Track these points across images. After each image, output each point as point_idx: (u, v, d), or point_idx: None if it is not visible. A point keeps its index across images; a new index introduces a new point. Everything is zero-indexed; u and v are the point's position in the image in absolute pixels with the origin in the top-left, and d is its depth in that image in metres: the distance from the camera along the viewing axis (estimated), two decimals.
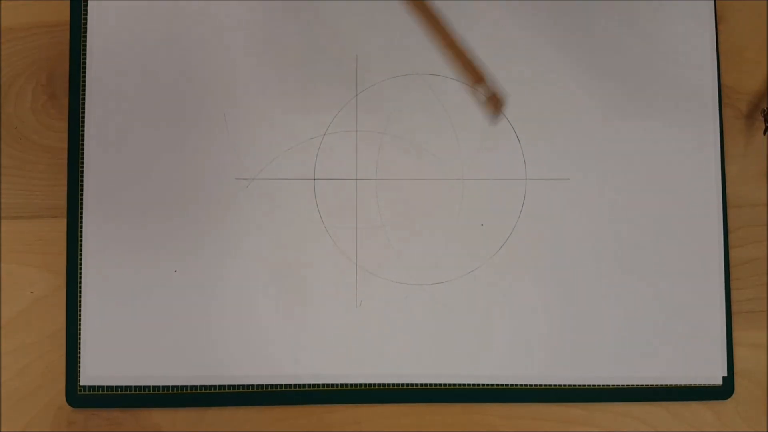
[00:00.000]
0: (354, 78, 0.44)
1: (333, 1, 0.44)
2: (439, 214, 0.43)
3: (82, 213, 0.43)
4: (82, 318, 0.43)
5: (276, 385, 0.42)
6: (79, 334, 0.43)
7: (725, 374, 0.43)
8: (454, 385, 0.43)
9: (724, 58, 0.45)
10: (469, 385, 0.43)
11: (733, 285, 0.43)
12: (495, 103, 0.38)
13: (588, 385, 0.43)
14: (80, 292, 0.43)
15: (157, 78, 0.44)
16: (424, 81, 0.44)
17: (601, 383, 0.43)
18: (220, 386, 0.42)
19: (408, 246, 0.43)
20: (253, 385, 0.42)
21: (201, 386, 0.42)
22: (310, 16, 0.42)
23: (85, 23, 0.44)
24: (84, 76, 0.44)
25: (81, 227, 0.43)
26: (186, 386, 0.42)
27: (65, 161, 0.44)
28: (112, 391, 0.43)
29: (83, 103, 0.44)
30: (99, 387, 0.43)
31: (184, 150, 0.43)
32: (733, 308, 0.43)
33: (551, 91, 0.44)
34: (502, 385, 0.43)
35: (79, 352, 0.43)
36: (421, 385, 0.42)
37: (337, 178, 0.43)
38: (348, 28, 0.42)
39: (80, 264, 0.43)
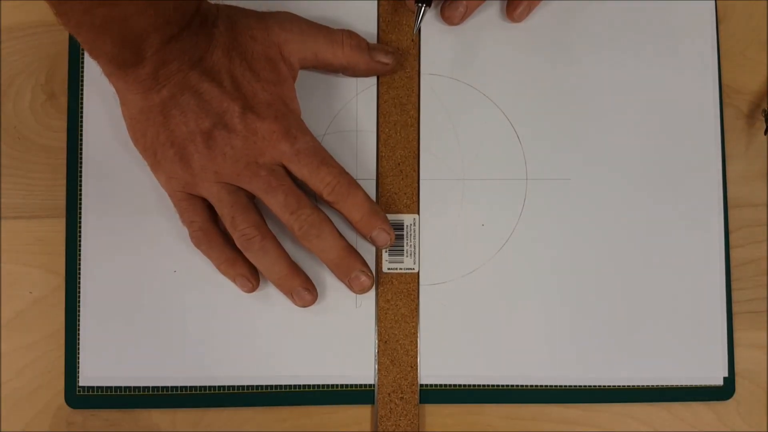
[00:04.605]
0: (354, 78, 0.44)
1: (333, 0, 0.44)
2: (439, 214, 0.43)
3: (81, 213, 0.43)
4: (81, 318, 0.43)
5: (276, 386, 0.42)
6: (78, 335, 0.42)
7: (726, 375, 0.43)
8: (454, 385, 0.42)
9: (724, 58, 0.45)
10: (468, 385, 0.42)
11: (734, 285, 0.43)
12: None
13: (588, 386, 0.43)
14: (79, 292, 0.43)
15: None
16: (424, 81, 0.44)
17: (601, 384, 0.43)
18: (219, 387, 0.42)
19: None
20: (252, 386, 0.42)
21: (200, 387, 0.42)
22: (310, 16, 0.42)
23: None
24: (83, 76, 0.44)
25: (80, 227, 0.43)
26: (185, 387, 0.42)
27: (64, 161, 0.44)
28: (111, 391, 0.42)
29: (82, 103, 0.44)
30: (98, 388, 0.42)
31: None
32: (734, 308, 0.43)
33: (552, 91, 0.44)
34: (501, 385, 0.43)
35: (78, 353, 0.42)
36: (421, 385, 0.42)
37: None
38: (349, 28, 0.42)
39: (79, 264, 0.43)
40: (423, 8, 0.41)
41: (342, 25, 0.43)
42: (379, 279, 0.43)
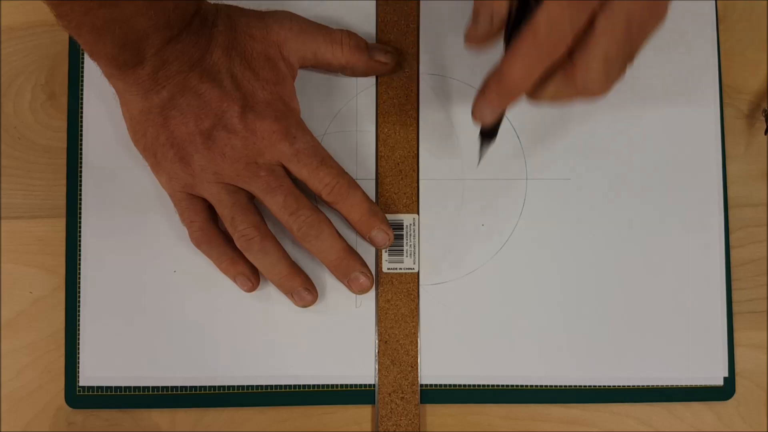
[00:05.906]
0: (354, 78, 0.44)
1: (332, 0, 0.44)
2: (439, 214, 0.43)
3: (81, 213, 0.43)
4: (81, 318, 0.43)
5: (276, 386, 0.42)
6: (78, 335, 0.43)
7: (726, 375, 0.43)
8: (454, 385, 0.42)
9: (724, 58, 0.45)
10: (469, 385, 0.42)
11: (734, 285, 0.43)
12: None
13: (588, 386, 0.43)
14: (79, 292, 0.43)
15: None
16: (424, 81, 0.44)
17: (601, 383, 0.43)
18: (219, 387, 0.42)
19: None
20: (252, 386, 0.42)
21: (200, 387, 0.42)
22: (309, 16, 0.42)
23: None
24: (83, 76, 0.44)
25: (80, 227, 0.43)
26: (185, 387, 0.42)
27: (64, 161, 0.44)
28: (111, 391, 0.42)
29: (82, 103, 0.44)
30: (98, 387, 0.42)
31: None
32: (734, 309, 0.43)
33: None
34: (502, 385, 0.43)
35: (78, 353, 0.42)
36: (421, 385, 0.42)
37: None
38: (347, 28, 0.42)
39: (79, 264, 0.43)
40: (489, 144, 0.38)
41: (341, 25, 0.43)
42: (379, 279, 0.43)
